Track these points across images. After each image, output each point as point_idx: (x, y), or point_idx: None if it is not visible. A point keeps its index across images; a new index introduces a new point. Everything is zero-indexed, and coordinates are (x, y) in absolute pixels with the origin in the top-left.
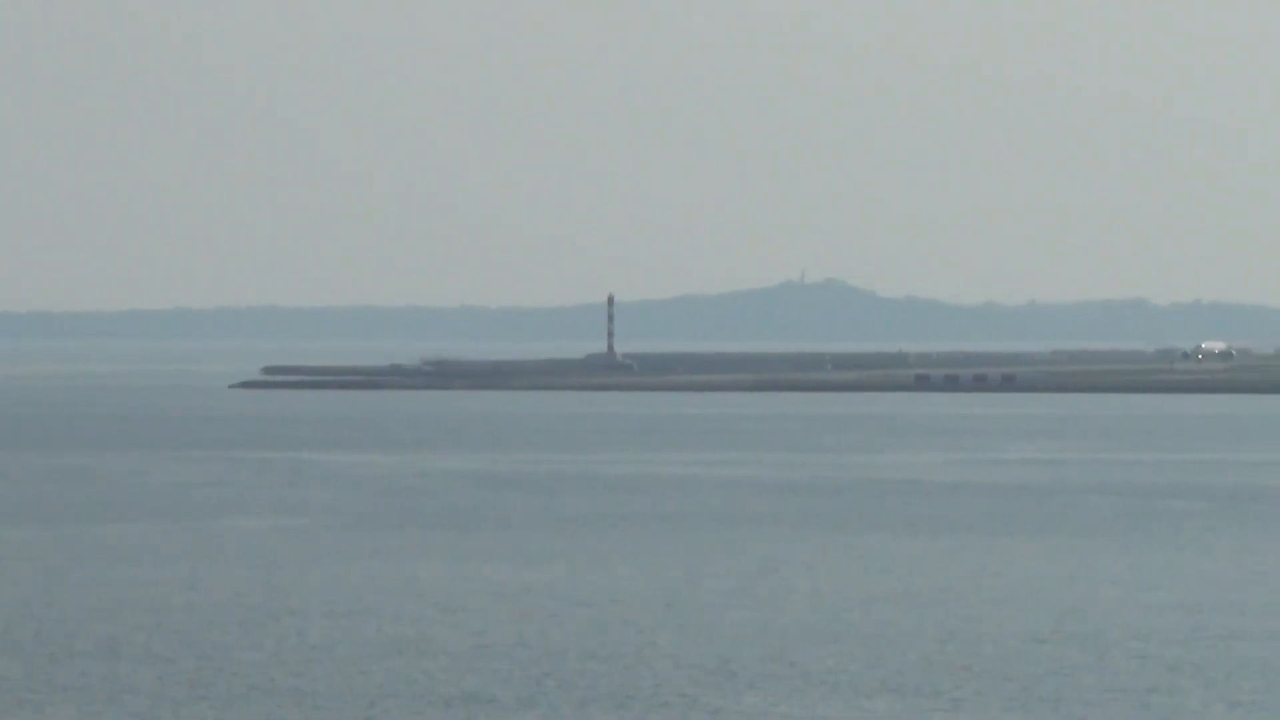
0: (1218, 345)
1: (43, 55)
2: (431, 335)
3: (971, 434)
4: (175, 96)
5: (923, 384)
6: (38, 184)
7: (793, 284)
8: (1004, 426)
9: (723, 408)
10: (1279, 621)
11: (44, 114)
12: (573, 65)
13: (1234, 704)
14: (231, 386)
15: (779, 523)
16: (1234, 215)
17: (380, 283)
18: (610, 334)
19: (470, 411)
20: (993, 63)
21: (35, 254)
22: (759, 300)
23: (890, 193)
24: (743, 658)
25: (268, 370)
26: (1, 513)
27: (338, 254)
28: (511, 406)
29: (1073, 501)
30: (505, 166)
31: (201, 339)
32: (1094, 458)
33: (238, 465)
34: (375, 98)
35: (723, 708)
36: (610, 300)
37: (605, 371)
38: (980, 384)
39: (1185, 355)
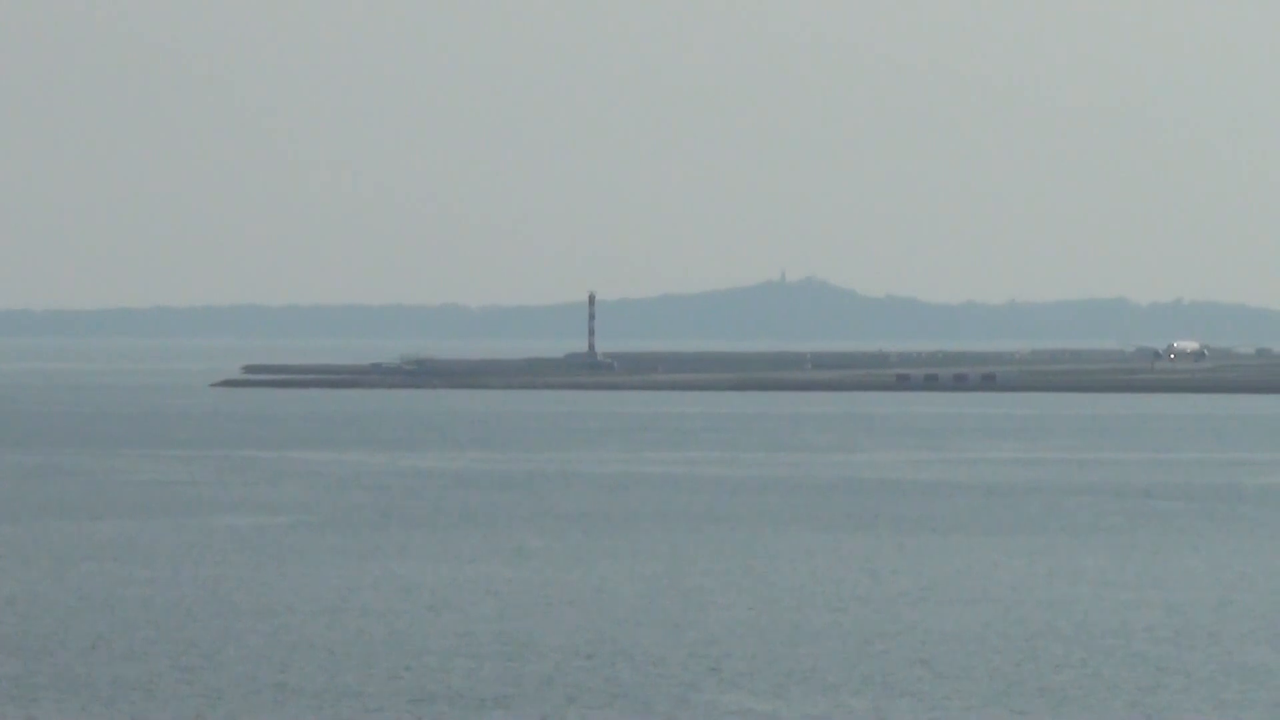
0: (1189, 345)
1: (22, 54)
2: (413, 334)
3: (952, 433)
4: (157, 96)
5: (903, 383)
6: (17, 183)
7: (773, 283)
8: (984, 426)
9: (703, 407)
10: (1261, 621)
11: (23, 114)
12: (555, 65)
13: (1217, 703)
14: (212, 385)
15: (760, 522)
16: (1214, 215)
17: (361, 282)
18: (591, 333)
19: (451, 410)
20: (973, 64)
21: (15, 252)
22: (739, 299)
23: (870, 192)
24: (725, 655)
25: (249, 369)
26: None
27: (319, 253)
28: (492, 405)
29: (1053, 501)
30: (487, 166)
31: (182, 337)
32: (1074, 457)
33: (218, 464)
34: (358, 97)
35: (706, 705)
36: (591, 299)
37: (586, 370)
38: (960, 383)
39: (1158, 355)
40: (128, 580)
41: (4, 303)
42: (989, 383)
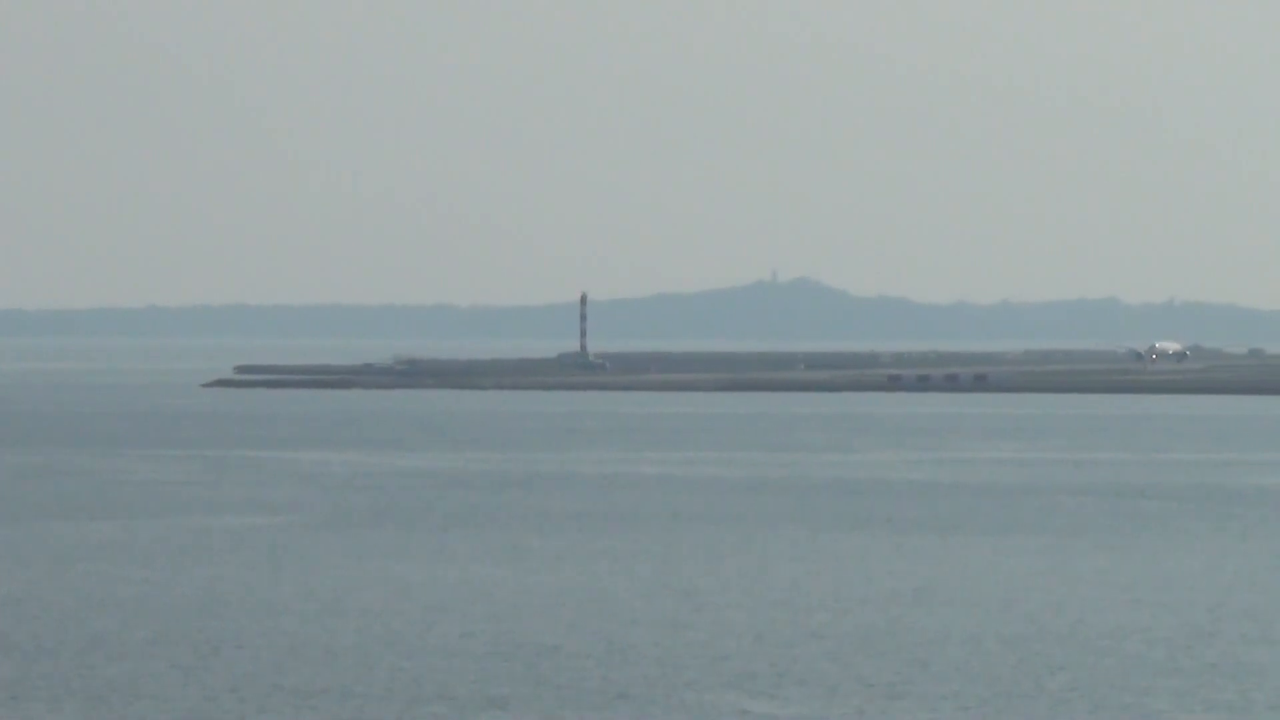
0: (1171, 345)
1: (13, 55)
2: (404, 334)
3: (945, 434)
4: (149, 95)
5: (895, 384)
6: (9, 183)
7: (765, 283)
8: (976, 426)
9: (695, 407)
10: (1256, 622)
11: (14, 114)
12: (546, 65)
13: (1210, 704)
14: (204, 385)
15: (752, 522)
16: (1206, 216)
17: (353, 282)
18: (583, 333)
19: (443, 410)
20: (966, 64)
21: (7, 252)
22: (731, 300)
23: (862, 193)
24: (719, 656)
25: (240, 369)
26: None
27: (311, 253)
28: (483, 406)
29: (1046, 502)
30: (478, 166)
31: (174, 337)
32: (1067, 458)
33: (210, 464)
34: (350, 98)
35: (702, 705)
36: (583, 299)
37: (578, 371)
38: (952, 384)
39: (1139, 355)
40: (122, 580)
41: None
42: (981, 383)
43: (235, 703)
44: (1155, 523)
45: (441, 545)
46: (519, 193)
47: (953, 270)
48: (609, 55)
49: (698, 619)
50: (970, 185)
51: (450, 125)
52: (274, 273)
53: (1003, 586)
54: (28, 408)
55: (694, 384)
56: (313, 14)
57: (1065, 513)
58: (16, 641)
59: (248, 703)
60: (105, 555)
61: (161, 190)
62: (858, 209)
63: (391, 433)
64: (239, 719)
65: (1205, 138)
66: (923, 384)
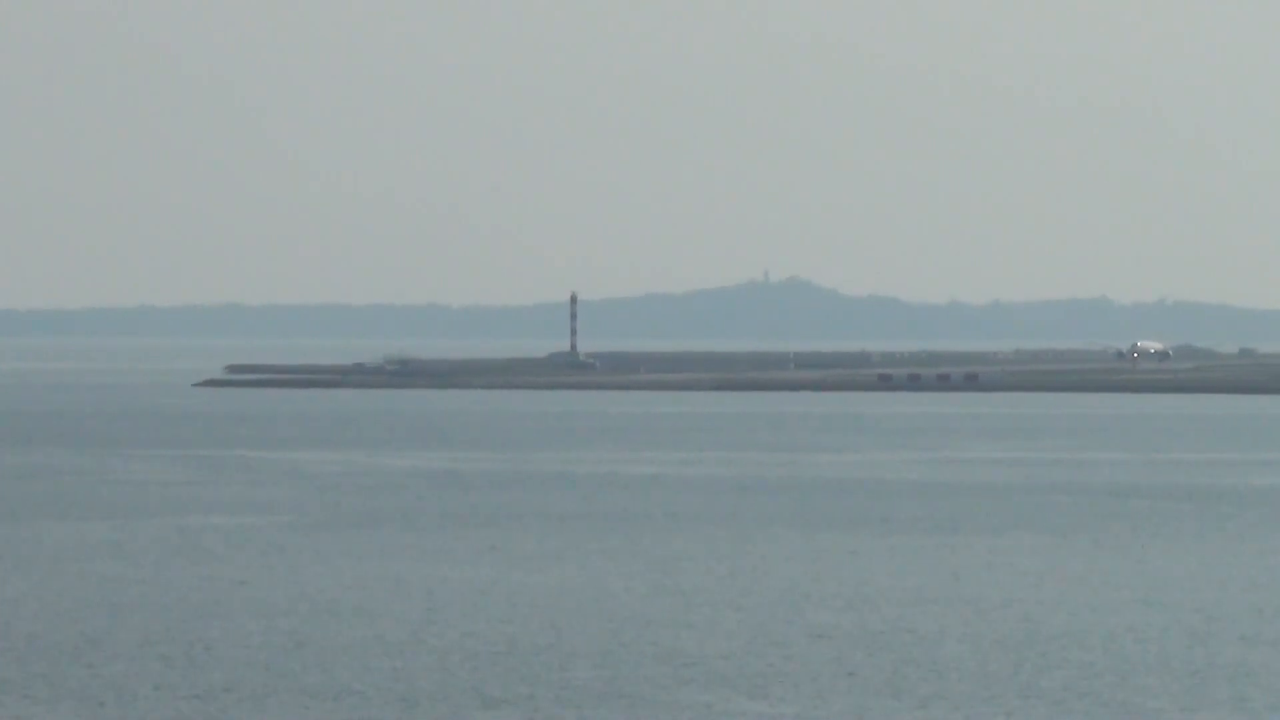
0: (1153, 345)
1: (2, 54)
2: (395, 334)
3: (935, 433)
4: (139, 93)
5: (886, 383)
6: None
7: (756, 283)
8: (968, 426)
9: (686, 407)
10: (1246, 621)
11: (2, 113)
12: (536, 65)
13: (1206, 704)
14: (195, 385)
15: (747, 522)
16: (1197, 215)
17: (344, 281)
18: (573, 332)
19: (434, 410)
20: (955, 64)
21: None
22: (722, 299)
23: (853, 192)
24: (715, 656)
25: (232, 369)
26: None
27: (302, 253)
28: (474, 405)
29: (1037, 501)
30: (470, 165)
31: (166, 337)
32: (1058, 457)
33: (202, 464)
34: (340, 98)
35: (696, 705)
36: (573, 299)
37: (568, 370)
38: (944, 383)
39: (1120, 354)
40: (114, 580)
41: None
42: (972, 382)
43: (230, 703)
44: (1151, 522)
45: (434, 545)
46: (510, 192)
47: (944, 270)
48: (599, 55)
49: (693, 619)
50: (961, 185)
51: (442, 125)
52: (265, 273)
53: (998, 586)
54: (19, 407)
55: (685, 384)
56: (306, 15)
57: (1060, 512)
58: (9, 641)
59: (243, 703)
60: (97, 555)
61: (153, 190)
62: (849, 209)
63: (383, 432)
64: (233, 717)
65: (1196, 137)
66: (914, 383)
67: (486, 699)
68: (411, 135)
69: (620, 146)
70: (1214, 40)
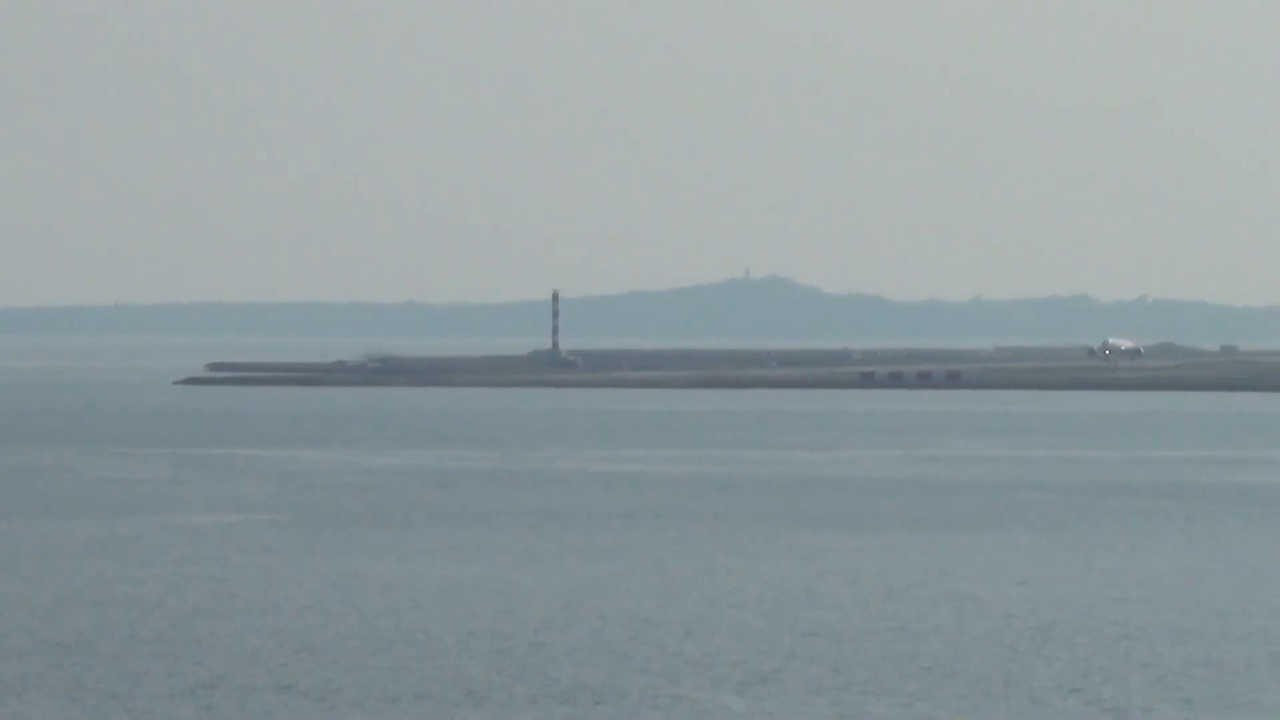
0: (1124, 342)
1: None
2: (376, 331)
3: (916, 431)
4: (122, 91)
5: (867, 381)
6: None
7: (737, 281)
8: (949, 423)
9: (667, 404)
10: (1234, 618)
11: None
12: (520, 62)
13: (1191, 699)
14: (176, 383)
15: (733, 520)
16: (1178, 213)
17: (325, 279)
18: (555, 330)
19: (415, 408)
20: (937, 62)
21: None
22: (703, 297)
23: (835, 190)
24: (704, 653)
25: (212, 366)
26: None
27: (283, 251)
28: (457, 403)
29: (1019, 498)
30: (450, 162)
31: (146, 335)
32: (1039, 454)
33: (183, 462)
34: (322, 96)
35: (685, 701)
36: (555, 296)
37: (550, 368)
38: (925, 381)
39: (1092, 352)
40: (98, 578)
41: None
42: (954, 380)
43: (217, 699)
44: (1135, 519)
45: (418, 543)
46: (491, 190)
47: (925, 268)
48: (582, 53)
49: (680, 616)
50: (942, 183)
51: (424, 123)
52: (246, 270)
53: (976, 582)
54: None
55: (666, 381)
56: (292, 12)
57: (1044, 510)
58: None
59: (230, 700)
60: (80, 553)
61: (133, 188)
62: (830, 207)
63: (363, 430)
64: (220, 716)
65: (1179, 136)
66: (895, 381)
67: (474, 696)
68: (394, 133)
69: (602, 144)
70: (1194, 38)
